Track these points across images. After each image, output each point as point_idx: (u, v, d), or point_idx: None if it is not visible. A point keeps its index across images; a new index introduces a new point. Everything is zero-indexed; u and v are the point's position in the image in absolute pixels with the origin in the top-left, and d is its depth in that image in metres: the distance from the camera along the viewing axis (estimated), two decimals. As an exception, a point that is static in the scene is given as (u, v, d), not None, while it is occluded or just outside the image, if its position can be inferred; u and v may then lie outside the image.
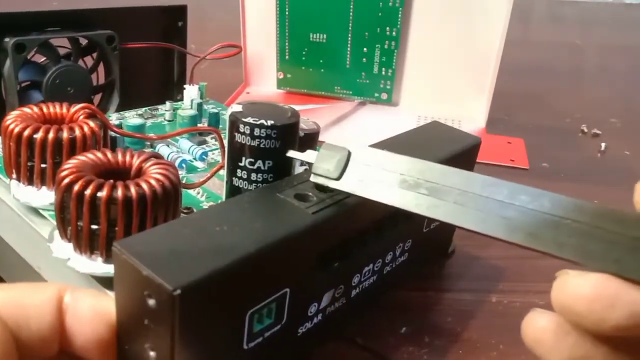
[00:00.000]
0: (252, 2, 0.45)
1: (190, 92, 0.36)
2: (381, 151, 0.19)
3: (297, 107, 0.23)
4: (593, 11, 1.24)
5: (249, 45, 0.46)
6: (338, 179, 0.19)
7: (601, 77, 0.75)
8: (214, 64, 0.42)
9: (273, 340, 0.19)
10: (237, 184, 0.22)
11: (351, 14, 0.39)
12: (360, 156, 0.19)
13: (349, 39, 0.40)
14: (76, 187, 0.19)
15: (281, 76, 0.45)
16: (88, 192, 0.19)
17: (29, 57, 0.33)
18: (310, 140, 0.25)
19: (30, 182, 0.23)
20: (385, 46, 0.39)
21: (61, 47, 0.35)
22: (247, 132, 0.20)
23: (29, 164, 0.23)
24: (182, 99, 0.38)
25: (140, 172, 0.22)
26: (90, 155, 0.21)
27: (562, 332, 0.15)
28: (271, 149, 0.21)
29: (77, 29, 0.34)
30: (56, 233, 0.21)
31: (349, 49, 0.41)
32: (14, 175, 0.24)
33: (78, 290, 0.16)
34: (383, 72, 0.40)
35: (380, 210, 0.22)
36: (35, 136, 0.23)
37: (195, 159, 0.30)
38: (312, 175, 0.20)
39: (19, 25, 0.32)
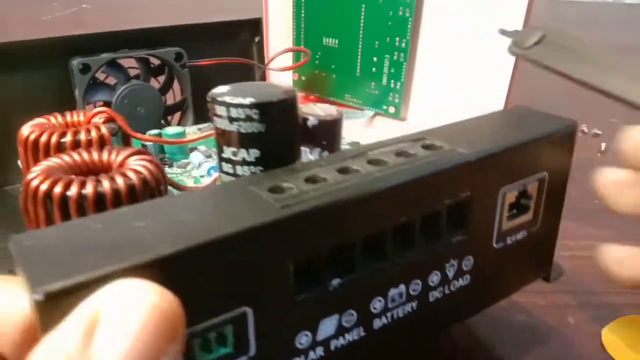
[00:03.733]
0: (274, 1, 0.42)
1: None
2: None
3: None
4: (593, 11, 1.22)
5: (271, 45, 0.43)
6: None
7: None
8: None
9: None
10: (226, 181, 0.18)
11: (362, 20, 0.37)
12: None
13: (360, 46, 0.37)
14: (43, 188, 0.17)
15: (296, 77, 0.43)
16: (58, 190, 0.17)
17: (100, 79, 0.34)
18: (326, 131, 0.20)
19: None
20: (395, 57, 0.36)
21: (134, 68, 0.35)
22: (224, 114, 0.17)
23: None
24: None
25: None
26: (64, 157, 0.19)
27: (629, 183, 0.18)
28: (254, 135, 0.17)
29: (145, 48, 0.34)
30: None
31: (359, 56, 0.38)
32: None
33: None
34: (392, 85, 0.36)
35: (405, 207, 0.16)
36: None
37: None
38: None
39: (87, 47, 0.33)
